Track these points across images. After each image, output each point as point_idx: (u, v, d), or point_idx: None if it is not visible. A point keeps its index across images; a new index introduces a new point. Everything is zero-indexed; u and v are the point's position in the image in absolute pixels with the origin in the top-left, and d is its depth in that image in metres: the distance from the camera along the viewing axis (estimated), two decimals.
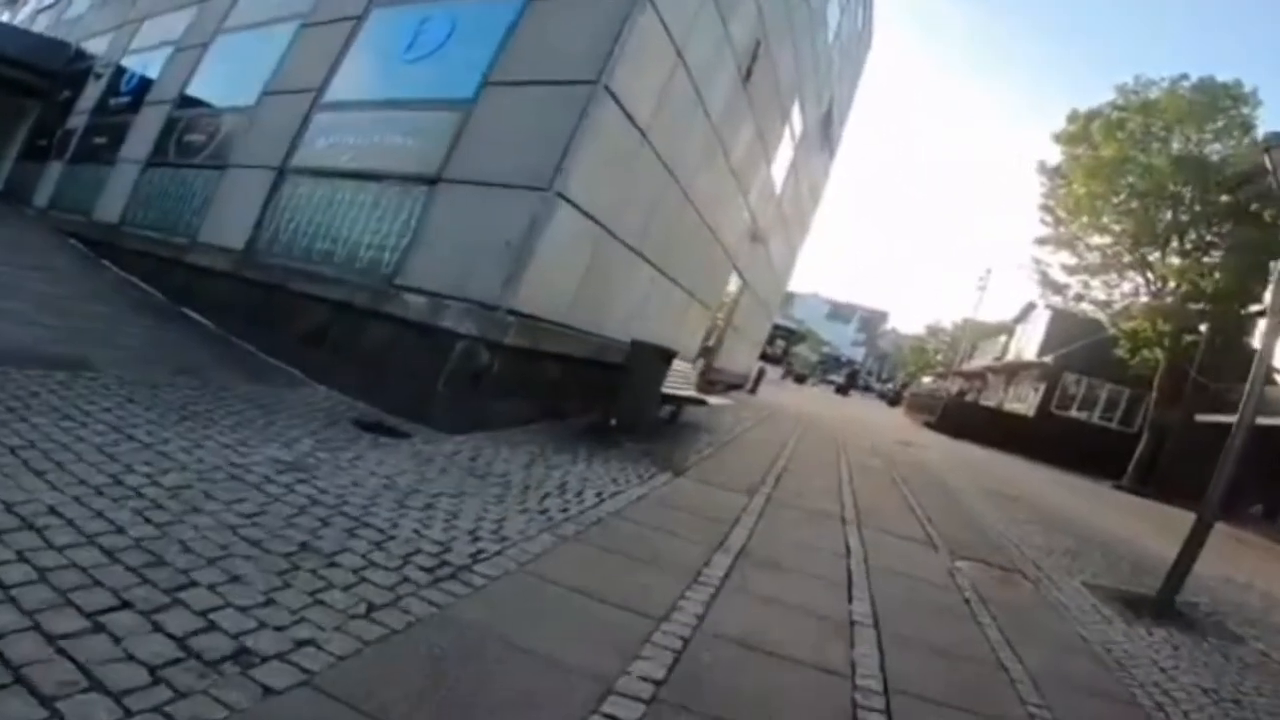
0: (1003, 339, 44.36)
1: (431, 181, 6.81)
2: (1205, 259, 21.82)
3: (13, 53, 16.54)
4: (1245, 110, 21.60)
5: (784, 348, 41.46)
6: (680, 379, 9.51)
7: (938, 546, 6.04)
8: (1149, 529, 11.55)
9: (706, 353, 14.87)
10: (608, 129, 6.60)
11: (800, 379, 51.10)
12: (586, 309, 7.54)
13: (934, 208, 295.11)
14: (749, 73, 10.44)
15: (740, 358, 19.84)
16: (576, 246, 6.81)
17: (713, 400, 10.44)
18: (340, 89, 8.53)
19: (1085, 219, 24.17)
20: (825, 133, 19.51)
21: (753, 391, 22.59)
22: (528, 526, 3.91)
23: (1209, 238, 22.28)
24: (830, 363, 75.70)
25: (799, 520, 5.79)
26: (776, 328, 37.69)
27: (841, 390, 50.03)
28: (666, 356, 7.86)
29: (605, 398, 7.74)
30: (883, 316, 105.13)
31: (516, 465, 5.20)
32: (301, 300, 7.37)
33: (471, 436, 5.73)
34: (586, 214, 6.66)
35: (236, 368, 6.50)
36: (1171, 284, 22.26)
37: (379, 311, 6.55)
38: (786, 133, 14.46)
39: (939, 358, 66.47)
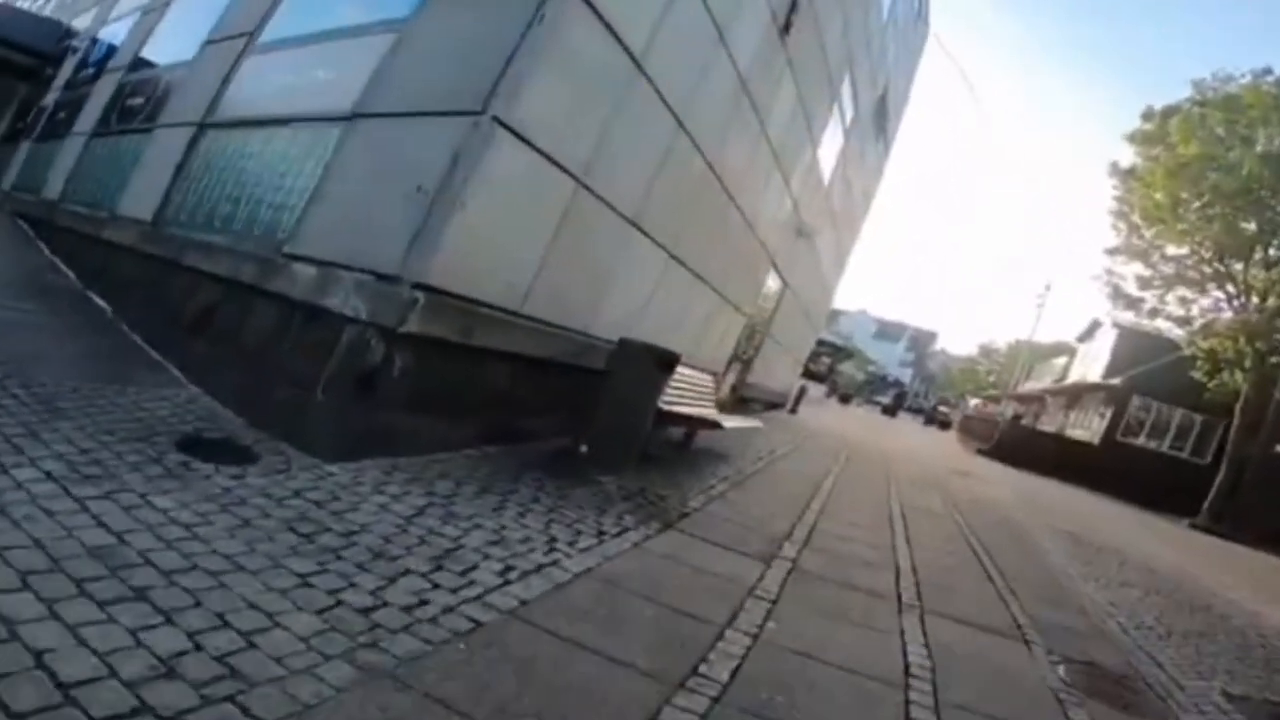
0: (1063, 360, 41.36)
1: (347, 119, 5.05)
2: None
3: (3, 34, 15.49)
4: None
5: (829, 365, 38.92)
6: (691, 393, 7.60)
7: (1030, 640, 4.04)
8: (1250, 586, 9.30)
9: (740, 366, 12.90)
10: (578, 42, 4.76)
11: (845, 399, 48.56)
12: (558, 295, 5.67)
13: (988, 220, 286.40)
14: (788, 24, 8.55)
15: (780, 373, 17.75)
16: (533, 201, 4.95)
17: (736, 423, 8.48)
18: (275, 28, 6.89)
19: (1163, 225, 21.54)
20: (880, 124, 17.47)
21: (793, 411, 20.48)
22: (304, 648, 2.05)
23: None
24: (877, 383, 72.60)
25: (835, 606, 3.83)
26: (821, 343, 35.37)
27: (888, 411, 47.26)
28: (666, 362, 5.96)
29: (587, 416, 5.87)
30: (931, 337, 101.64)
31: (392, 515, 3.35)
32: (193, 276, 5.70)
33: (358, 466, 3.91)
34: (545, 154, 4.76)
35: (99, 365, 4.86)
36: (1257, 298, 19.57)
37: (265, 289, 4.80)
38: (835, 114, 12.49)
39: (991, 379, 63.23)
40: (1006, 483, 16.69)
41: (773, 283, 13.11)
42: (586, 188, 5.44)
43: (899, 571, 4.90)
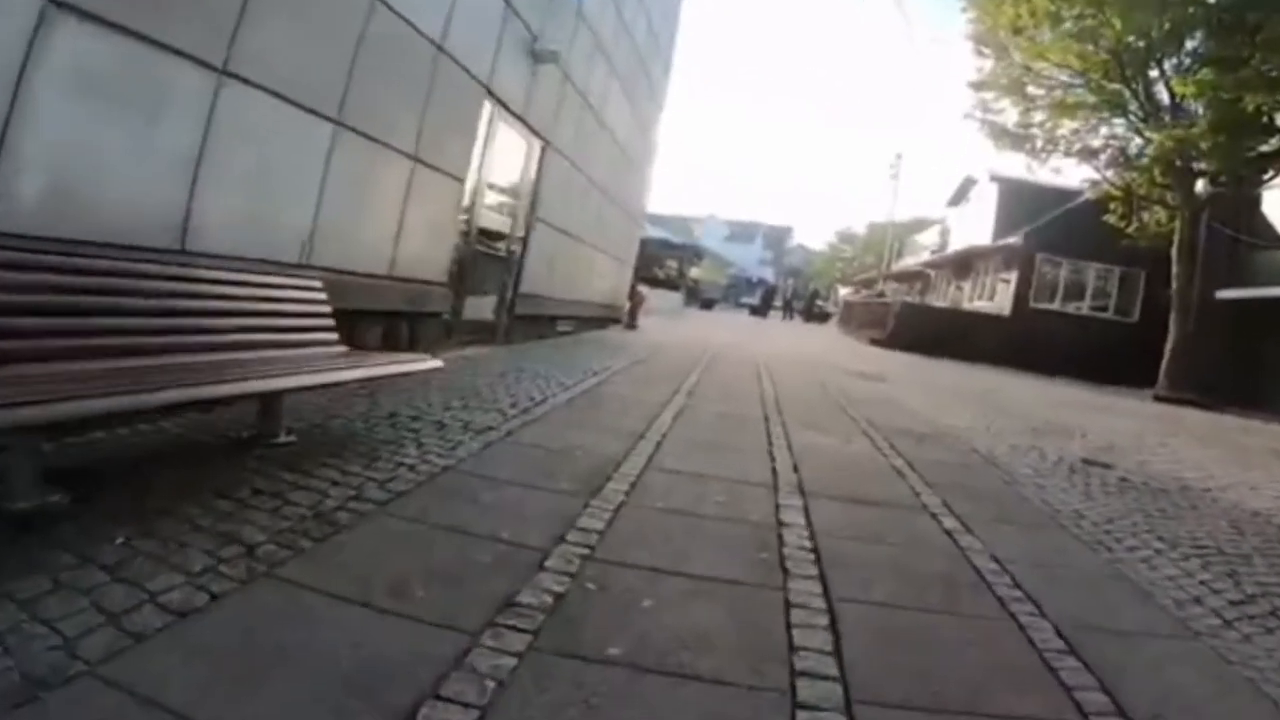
0: (933, 232, 39.16)
1: None
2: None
3: None
4: None
5: (677, 269, 34.92)
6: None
7: None
8: None
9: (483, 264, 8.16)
10: None
11: (708, 304, 45.09)
12: None
13: (822, 108, 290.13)
14: None
15: (589, 278, 13.06)
16: None
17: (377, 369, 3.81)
18: None
19: (1031, 40, 17.98)
20: None
21: (631, 326, 16.06)
22: None
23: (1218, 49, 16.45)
24: (741, 285, 69.86)
25: None
26: (663, 245, 31.28)
27: (757, 312, 44.15)
28: None
29: None
30: (786, 232, 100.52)
31: None
32: None
33: None
34: None
35: None
36: (1194, 106, 16.50)
37: None
38: None
39: (855, 264, 61.77)
40: (917, 377, 13.05)
41: (512, 136, 8.31)
42: None
43: None
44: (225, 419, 3.70)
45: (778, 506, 3.47)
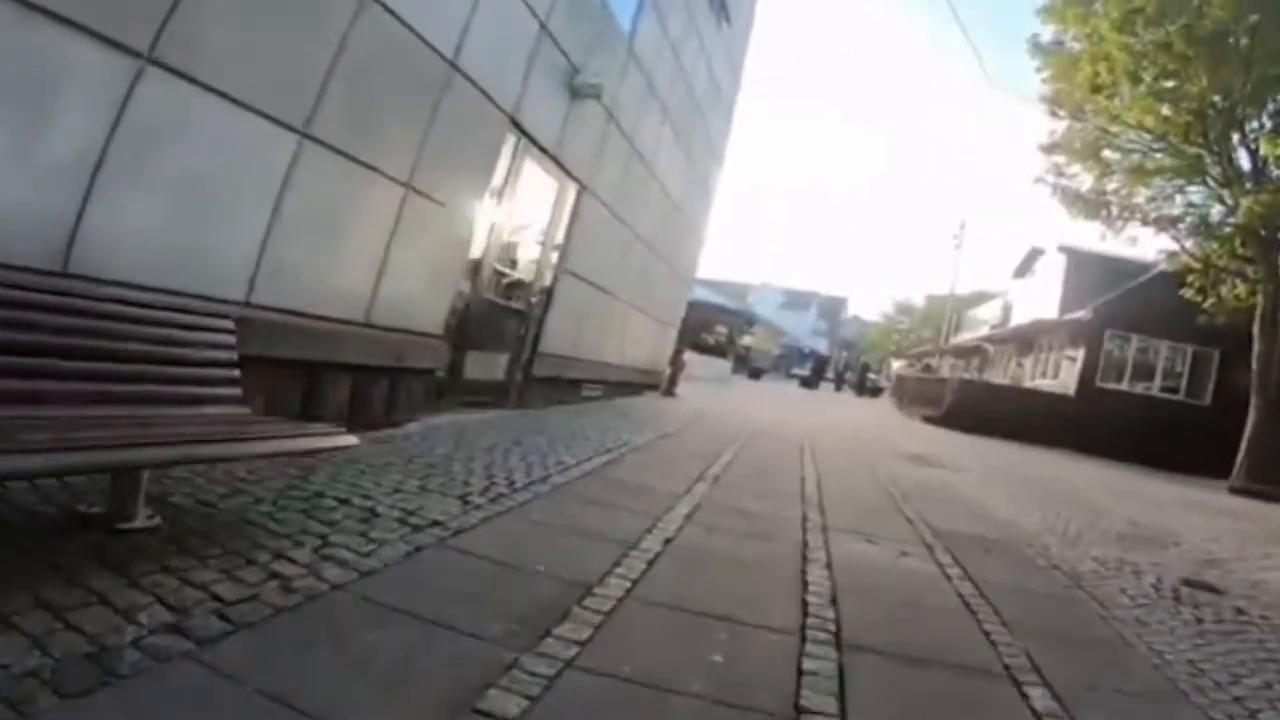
0: (994, 305, 37.58)
1: None
2: None
3: None
4: None
5: (727, 335, 33.79)
6: None
7: None
8: None
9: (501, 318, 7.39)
10: None
11: (756, 373, 43.75)
12: None
13: (884, 178, 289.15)
14: None
15: (623, 339, 12.16)
16: None
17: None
18: None
19: (1117, 90, 16.85)
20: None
21: (669, 393, 15.09)
22: None
23: None
24: (793, 355, 68.35)
25: None
26: (715, 309, 30.38)
27: (807, 383, 42.58)
28: None
29: None
30: (841, 303, 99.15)
31: None
32: None
33: None
34: None
35: None
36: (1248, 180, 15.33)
37: None
38: None
39: (912, 336, 60.07)
40: (977, 460, 11.76)
41: (540, 175, 7.60)
42: None
43: None
44: (85, 483, 2.86)
45: (800, 673, 2.44)
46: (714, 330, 31.87)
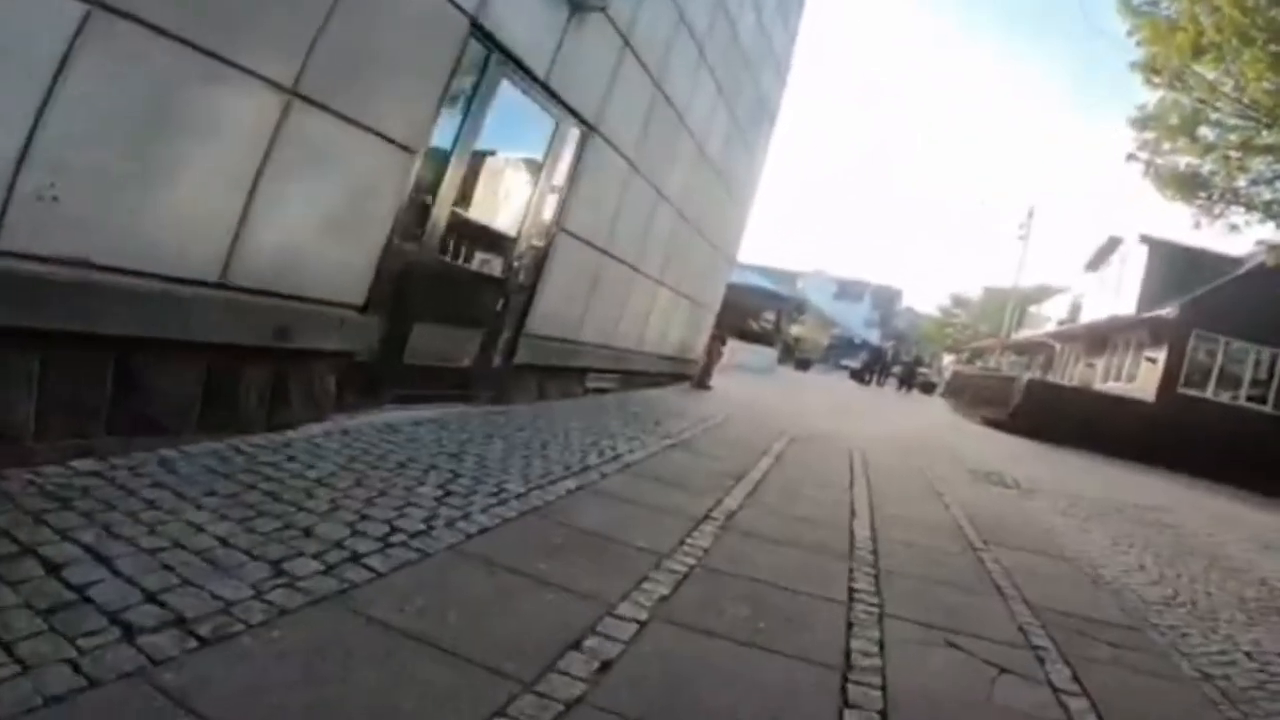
0: (1064, 298, 34.81)
1: None
2: None
3: None
4: None
5: (774, 323, 31.68)
6: None
7: None
8: None
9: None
10: None
11: (804, 364, 41.41)
12: None
13: (943, 166, 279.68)
14: None
15: (642, 321, 10.47)
16: None
17: None
18: None
19: (1218, 59, 14.52)
20: None
21: (701, 385, 13.41)
22: None
23: None
24: (843, 345, 65.64)
25: None
26: (763, 294, 28.36)
27: (858, 377, 39.95)
28: None
29: None
30: (896, 294, 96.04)
31: None
32: None
33: None
34: None
35: None
36: None
37: None
38: None
39: (968, 331, 57.18)
40: (1069, 488, 9.86)
41: (525, 105, 6.02)
42: None
43: None
44: None
45: None
46: (760, 317, 29.89)
